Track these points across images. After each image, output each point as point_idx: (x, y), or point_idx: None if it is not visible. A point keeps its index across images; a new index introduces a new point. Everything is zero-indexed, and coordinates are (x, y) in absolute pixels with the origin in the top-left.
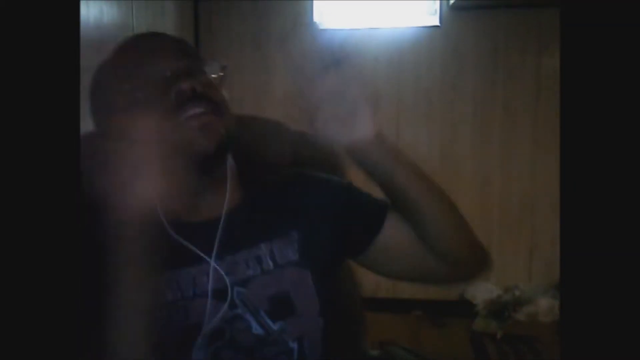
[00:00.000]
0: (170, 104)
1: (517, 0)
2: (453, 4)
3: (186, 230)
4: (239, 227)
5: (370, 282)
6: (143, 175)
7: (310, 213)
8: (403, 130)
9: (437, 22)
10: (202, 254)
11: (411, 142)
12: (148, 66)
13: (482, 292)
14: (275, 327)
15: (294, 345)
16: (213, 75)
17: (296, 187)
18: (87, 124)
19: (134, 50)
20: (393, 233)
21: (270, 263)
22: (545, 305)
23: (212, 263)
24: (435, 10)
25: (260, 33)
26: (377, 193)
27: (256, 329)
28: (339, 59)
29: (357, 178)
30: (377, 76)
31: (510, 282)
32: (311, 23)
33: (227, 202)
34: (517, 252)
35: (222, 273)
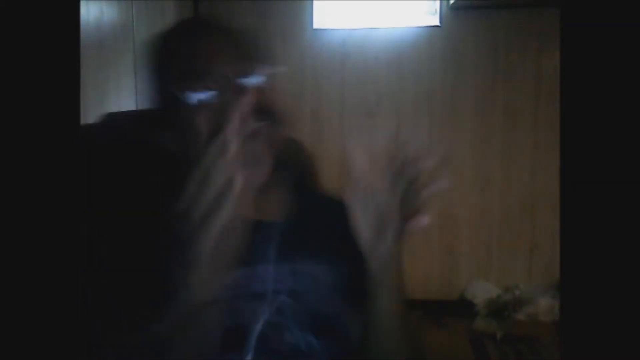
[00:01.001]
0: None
1: (517, 0)
2: (453, 4)
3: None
4: (296, 237)
5: None
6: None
7: (353, 246)
8: (403, 130)
9: (437, 22)
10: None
11: (411, 142)
12: (220, 58)
13: (482, 291)
14: (312, 343)
15: None
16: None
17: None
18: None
19: (194, 36)
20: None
21: (316, 281)
22: (545, 305)
23: (264, 267)
24: (435, 10)
25: (260, 33)
26: None
27: (295, 341)
28: (415, 173)
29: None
30: (377, 76)
31: (510, 281)
32: (311, 23)
33: (286, 208)
34: (517, 252)
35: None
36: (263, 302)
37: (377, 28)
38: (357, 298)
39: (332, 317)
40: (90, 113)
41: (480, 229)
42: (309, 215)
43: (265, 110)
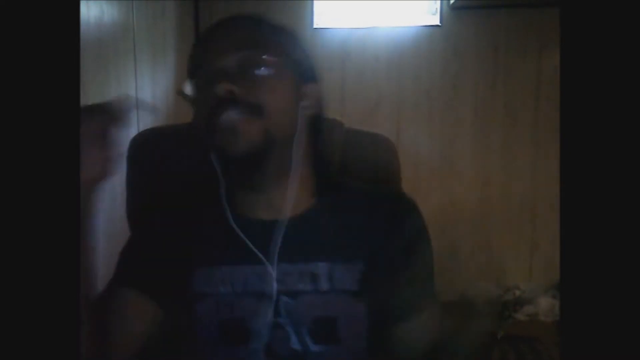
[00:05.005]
0: (210, 103)
1: (517, 0)
2: (453, 3)
3: (248, 227)
4: (302, 237)
5: None
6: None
7: (384, 245)
8: (403, 130)
9: (437, 22)
10: (261, 256)
11: (411, 142)
12: (209, 54)
13: (482, 291)
14: (314, 348)
15: None
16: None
17: (376, 208)
18: None
19: (211, 33)
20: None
21: (327, 285)
22: (546, 305)
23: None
24: (436, 10)
25: None
26: None
27: (294, 344)
28: None
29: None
30: (377, 76)
31: (511, 281)
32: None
33: (291, 206)
34: (517, 252)
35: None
36: (264, 301)
37: (377, 28)
38: (369, 301)
39: (341, 324)
40: None
41: (480, 229)
42: (330, 211)
43: (251, 107)
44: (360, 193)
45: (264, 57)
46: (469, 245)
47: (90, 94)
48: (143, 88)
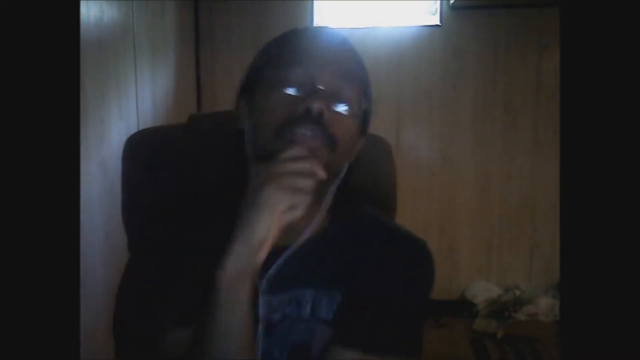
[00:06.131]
0: (294, 112)
1: (517, 0)
2: (453, 3)
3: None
4: (298, 264)
5: None
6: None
7: (365, 280)
8: (403, 130)
9: (437, 22)
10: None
11: (411, 142)
12: (308, 64)
13: (482, 291)
14: None
15: None
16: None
17: (372, 242)
18: (86, 124)
19: (308, 39)
20: None
21: (308, 311)
22: (546, 305)
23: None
24: (436, 10)
25: (260, 32)
26: None
27: None
28: None
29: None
30: (377, 76)
31: (511, 282)
32: (311, 23)
33: (304, 234)
34: (517, 252)
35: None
36: (259, 328)
37: (378, 27)
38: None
39: (314, 351)
40: (90, 113)
41: (480, 229)
42: (328, 239)
43: (327, 135)
44: (374, 227)
45: (351, 96)
46: (469, 245)
47: (90, 94)
48: (143, 88)
